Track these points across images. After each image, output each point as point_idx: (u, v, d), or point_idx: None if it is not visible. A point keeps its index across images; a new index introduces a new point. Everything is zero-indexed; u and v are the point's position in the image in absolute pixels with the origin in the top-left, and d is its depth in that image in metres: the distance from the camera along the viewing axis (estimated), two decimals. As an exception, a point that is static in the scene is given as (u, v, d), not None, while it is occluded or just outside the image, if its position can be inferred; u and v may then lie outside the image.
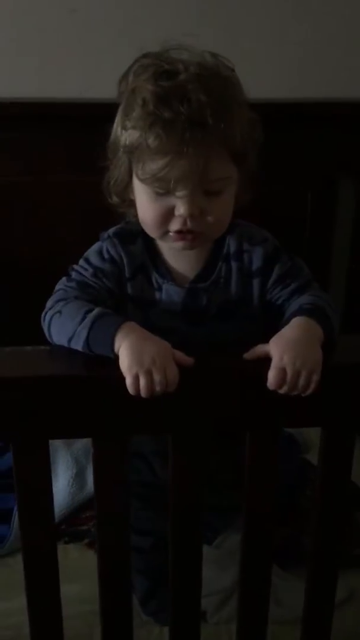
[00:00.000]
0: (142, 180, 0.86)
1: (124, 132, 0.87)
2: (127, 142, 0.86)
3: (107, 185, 0.93)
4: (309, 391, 0.78)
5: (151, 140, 0.82)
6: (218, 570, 1.08)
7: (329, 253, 1.54)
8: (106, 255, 0.94)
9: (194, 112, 0.81)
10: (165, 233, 0.89)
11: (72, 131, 1.35)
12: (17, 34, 1.36)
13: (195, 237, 0.89)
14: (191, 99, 0.81)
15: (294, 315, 0.85)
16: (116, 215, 0.97)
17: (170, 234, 0.89)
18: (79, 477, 1.23)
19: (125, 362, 0.76)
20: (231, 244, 0.95)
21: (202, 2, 1.37)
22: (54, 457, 1.25)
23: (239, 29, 1.39)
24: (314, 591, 0.94)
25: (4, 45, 1.36)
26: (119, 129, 0.88)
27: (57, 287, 0.92)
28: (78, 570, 1.08)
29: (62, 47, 1.36)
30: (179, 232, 0.88)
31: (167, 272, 0.95)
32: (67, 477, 1.23)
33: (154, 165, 0.83)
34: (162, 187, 0.85)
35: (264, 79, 1.39)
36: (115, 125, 0.89)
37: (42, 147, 1.39)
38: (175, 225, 0.87)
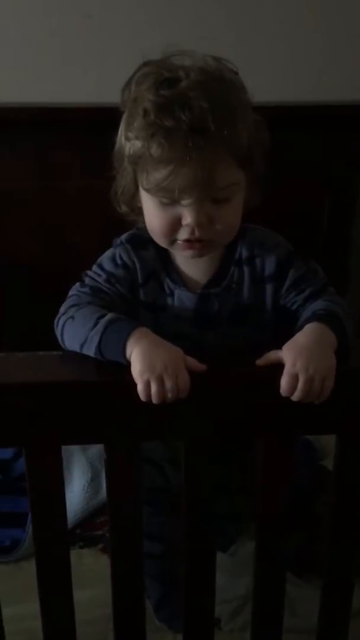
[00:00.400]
0: (146, 190, 0.86)
1: (127, 143, 0.86)
2: (131, 152, 0.86)
3: (115, 195, 0.93)
4: (323, 398, 0.77)
5: (154, 150, 0.82)
6: (232, 578, 1.07)
7: (346, 255, 1.53)
8: (119, 261, 0.94)
9: (195, 119, 0.80)
10: (173, 242, 0.89)
11: (85, 136, 1.34)
12: (32, 39, 1.37)
13: (203, 246, 0.88)
14: (192, 106, 0.80)
15: (307, 321, 0.84)
16: (127, 221, 0.97)
17: (179, 242, 0.88)
18: (94, 482, 1.23)
19: (136, 368, 0.76)
20: (243, 250, 0.94)
21: (218, 6, 1.36)
22: (70, 462, 1.25)
23: (254, 31, 1.39)
24: (330, 600, 0.93)
25: (19, 50, 1.37)
26: (123, 139, 0.88)
27: (71, 292, 0.92)
28: (92, 575, 1.09)
29: (77, 52, 1.37)
30: (187, 240, 0.87)
31: (179, 278, 0.95)
32: (82, 481, 1.23)
33: (158, 174, 0.83)
34: (167, 197, 0.84)
35: (283, 81, 1.39)
36: (119, 135, 0.89)
37: (54, 153, 1.40)
38: (183, 235, 0.87)
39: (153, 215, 0.88)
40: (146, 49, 0.87)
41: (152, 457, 1.05)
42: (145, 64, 0.87)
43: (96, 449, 1.26)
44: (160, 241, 0.90)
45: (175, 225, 0.87)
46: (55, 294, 0.93)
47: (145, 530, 0.98)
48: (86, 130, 1.34)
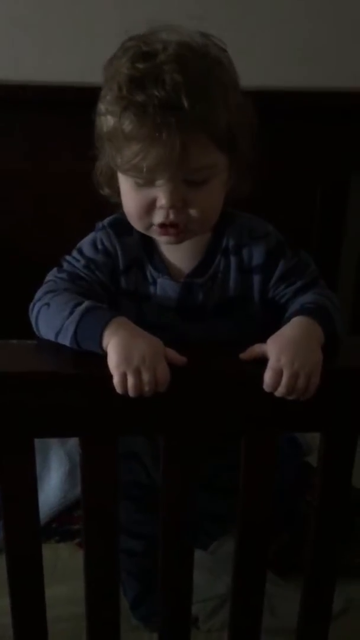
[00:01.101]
0: (118, 168, 0.82)
1: (103, 119, 0.83)
2: (105, 130, 0.82)
3: (97, 176, 0.90)
4: (308, 394, 0.74)
5: (125, 126, 0.78)
6: (212, 577, 1.05)
7: (337, 250, 1.50)
8: (100, 246, 0.90)
9: (167, 94, 0.76)
10: (149, 226, 0.85)
11: (75, 117, 1.30)
12: (17, 14, 1.33)
13: (179, 231, 0.84)
14: (165, 81, 0.77)
15: (295, 314, 0.81)
16: (113, 203, 0.93)
17: (154, 227, 0.84)
18: (72, 474, 1.20)
19: (113, 360, 0.72)
20: (230, 238, 0.91)
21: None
22: (47, 454, 1.22)
23: (248, 11, 1.34)
24: (310, 601, 0.91)
25: (5, 26, 1.34)
26: (99, 116, 0.84)
27: (47, 277, 0.88)
28: (68, 570, 1.07)
29: (65, 30, 1.33)
30: (162, 225, 0.83)
31: (162, 266, 0.91)
32: (59, 474, 1.20)
33: (129, 152, 0.79)
34: (139, 177, 0.81)
35: (273, 66, 1.36)
36: (97, 112, 0.85)
37: (44, 133, 1.37)
38: (158, 218, 0.83)
39: (128, 197, 0.84)
40: (133, 24, 0.83)
41: (136, 451, 1.03)
42: (130, 39, 0.83)
43: (75, 441, 1.22)
44: (136, 225, 0.87)
45: (150, 207, 0.83)
46: (41, 279, 0.89)
47: (127, 527, 0.97)
48: (77, 110, 1.29)
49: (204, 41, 0.82)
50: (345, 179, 1.46)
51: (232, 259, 0.90)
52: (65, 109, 1.33)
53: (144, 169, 0.79)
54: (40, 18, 1.33)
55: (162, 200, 0.81)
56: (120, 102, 0.79)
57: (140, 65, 0.78)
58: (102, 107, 0.83)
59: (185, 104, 0.76)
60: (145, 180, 0.81)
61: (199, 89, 0.78)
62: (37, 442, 0.79)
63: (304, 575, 0.90)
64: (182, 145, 0.77)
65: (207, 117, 0.78)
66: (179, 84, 0.76)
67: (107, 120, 0.82)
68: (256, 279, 0.91)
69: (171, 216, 0.82)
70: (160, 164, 0.78)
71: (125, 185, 0.84)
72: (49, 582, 0.87)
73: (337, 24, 1.37)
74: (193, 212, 0.83)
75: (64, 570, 1.07)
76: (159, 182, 0.80)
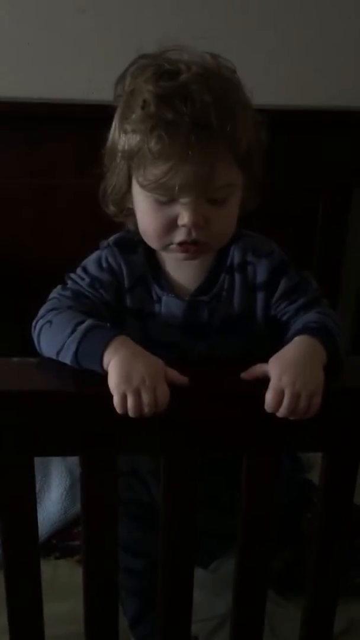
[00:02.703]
0: (143, 187, 0.82)
1: (123, 137, 0.82)
2: (126, 147, 0.82)
3: (104, 194, 0.89)
4: (309, 415, 0.73)
5: (153, 144, 0.78)
6: (212, 596, 1.04)
7: (339, 263, 1.50)
8: (104, 265, 0.90)
9: (198, 113, 0.77)
10: (168, 244, 0.85)
11: (79, 133, 1.32)
12: (24, 33, 1.34)
13: (198, 249, 0.84)
14: (195, 100, 0.77)
15: (297, 333, 0.80)
16: (117, 222, 0.93)
17: (173, 245, 0.84)
18: (72, 490, 1.19)
19: (113, 380, 0.72)
20: (235, 255, 0.91)
21: (215, 3, 1.33)
22: (48, 468, 1.22)
23: (253, 31, 1.36)
24: (312, 621, 0.90)
25: (10, 44, 1.34)
26: (117, 133, 0.84)
27: (51, 295, 0.88)
28: (68, 588, 1.05)
29: (69, 47, 1.34)
30: (182, 243, 0.83)
31: (167, 284, 0.91)
32: (60, 489, 1.20)
33: (156, 170, 0.79)
34: (165, 195, 0.80)
35: (279, 85, 1.36)
36: (112, 129, 0.85)
37: (46, 148, 1.37)
38: (179, 237, 0.83)
39: (148, 216, 0.84)
40: (140, 44, 0.84)
41: (137, 468, 1.02)
42: (142, 57, 0.83)
43: (76, 457, 1.23)
44: (154, 243, 0.87)
45: (170, 226, 0.83)
46: (46, 294, 0.89)
47: (129, 545, 0.96)
48: (80, 127, 1.31)
49: (215, 62, 0.83)
50: (347, 194, 1.47)
51: (237, 277, 0.91)
52: (68, 125, 1.33)
53: (175, 188, 0.79)
54: (46, 35, 1.34)
55: (184, 218, 0.81)
56: (148, 120, 0.78)
57: (165, 84, 0.78)
58: (122, 125, 0.82)
59: (215, 122, 0.77)
60: (169, 199, 0.81)
61: (226, 108, 0.78)
62: (38, 457, 0.78)
63: (306, 594, 0.89)
64: (211, 164, 0.78)
65: (233, 136, 0.79)
66: (208, 104, 0.77)
67: (128, 138, 0.81)
68: (260, 296, 0.91)
69: (193, 234, 0.82)
70: (189, 182, 0.78)
71: (145, 203, 0.84)
72: (48, 599, 0.86)
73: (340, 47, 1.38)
74: (213, 230, 0.83)
75: (63, 588, 1.06)
76: (184, 200, 0.80)
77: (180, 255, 0.86)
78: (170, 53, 0.82)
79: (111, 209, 0.90)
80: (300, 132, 1.35)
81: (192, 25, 1.30)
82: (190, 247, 0.84)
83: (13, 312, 1.37)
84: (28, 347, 0.84)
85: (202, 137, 0.77)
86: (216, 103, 0.77)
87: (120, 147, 0.83)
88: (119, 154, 0.84)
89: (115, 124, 0.85)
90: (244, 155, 0.82)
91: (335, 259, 1.49)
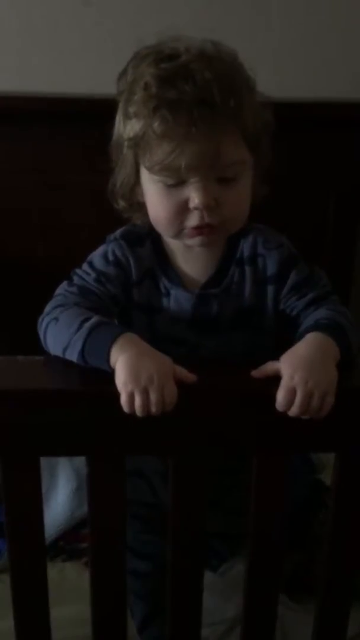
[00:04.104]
0: (150, 170, 0.80)
1: (127, 124, 0.81)
2: (131, 134, 0.81)
3: (113, 189, 0.88)
4: (322, 414, 0.72)
5: (157, 125, 0.77)
6: (222, 599, 1.03)
7: (350, 260, 1.48)
8: (111, 257, 0.89)
9: (200, 90, 0.76)
10: (180, 230, 0.83)
11: (84, 128, 1.30)
12: (28, 26, 1.32)
13: (212, 231, 0.83)
14: (196, 78, 0.76)
15: (308, 330, 0.79)
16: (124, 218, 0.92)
17: (186, 230, 0.83)
18: (79, 491, 1.18)
19: (120, 378, 0.71)
20: (245, 248, 0.89)
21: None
22: (55, 470, 1.21)
23: (260, 25, 1.34)
24: (324, 625, 0.89)
25: (15, 38, 1.33)
26: (121, 124, 0.83)
27: (57, 291, 0.87)
28: (75, 591, 1.04)
29: (75, 41, 1.32)
30: (196, 227, 0.82)
31: (176, 277, 0.89)
32: (67, 490, 1.18)
33: (162, 151, 0.78)
34: (173, 176, 0.79)
35: (286, 79, 1.35)
36: (117, 122, 0.84)
37: (52, 145, 1.36)
38: (192, 221, 0.82)
39: (158, 202, 0.83)
40: (144, 38, 0.82)
41: (143, 469, 1.00)
42: (144, 48, 0.82)
43: (82, 457, 1.21)
44: (167, 231, 0.85)
45: (182, 210, 0.81)
46: (53, 292, 0.88)
47: (134, 547, 0.94)
48: (86, 121, 1.29)
49: (216, 48, 0.82)
50: (358, 189, 1.44)
51: (247, 270, 0.89)
52: (74, 121, 1.32)
53: (181, 167, 0.78)
54: (51, 29, 1.32)
55: (195, 200, 0.79)
56: (151, 102, 0.78)
57: (166, 65, 0.78)
58: (126, 111, 0.82)
59: (218, 99, 0.76)
60: (177, 180, 0.80)
61: (228, 85, 0.77)
62: (45, 458, 0.77)
63: (318, 598, 0.87)
64: (217, 141, 0.77)
65: (238, 112, 0.78)
66: (210, 80, 0.76)
67: (132, 124, 0.80)
68: (270, 289, 0.89)
69: (206, 218, 0.81)
70: (195, 161, 0.77)
71: (154, 190, 0.82)
72: (55, 602, 0.85)
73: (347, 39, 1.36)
74: (225, 211, 0.82)
75: (70, 591, 1.04)
76: (192, 179, 0.79)
77: (196, 240, 0.84)
78: (170, 42, 0.81)
79: (120, 203, 0.89)
80: (310, 126, 1.32)
81: (199, 18, 1.28)
82: (204, 230, 0.82)
83: (20, 310, 1.36)
84: (35, 346, 0.83)
85: (205, 114, 0.76)
86: (218, 80, 0.77)
87: (125, 136, 0.82)
88: (125, 144, 0.83)
89: (119, 113, 0.84)
90: (251, 133, 0.81)
91: (346, 255, 1.47)
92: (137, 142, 0.80)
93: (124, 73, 0.84)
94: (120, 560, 0.81)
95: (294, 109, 1.33)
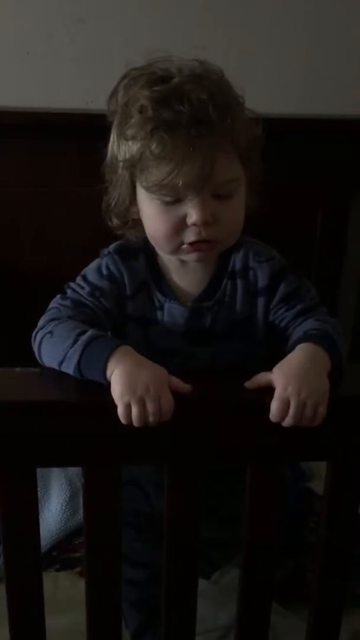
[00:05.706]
0: (147, 190, 0.82)
1: (123, 146, 0.83)
2: (127, 156, 0.82)
3: (107, 208, 0.89)
4: (315, 424, 0.73)
5: (154, 147, 0.79)
6: (215, 607, 1.03)
7: (338, 272, 1.50)
8: (105, 272, 0.90)
9: (196, 110, 0.77)
10: (178, 246, 0.85)
11: (79, 142, 1.31)
12: (24, 42, 1.33)
13: (210, 247, 0.85)
14: (191, 98, 0.78)
15: (299, 341, 0.80)
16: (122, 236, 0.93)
17: (184, 246, 0.84)
18: (72, 501, 1.18)
19: (117, 390, 0.72)
20: (237, 261, 0.91)
21: (215, 13, 1.33)
22: (48, 479, 1.21)
23: (250, 41, 1.36)
24: (316, 632, 0.89)
25: (10, 53, 1.34)
26: (116, 145, 0.84)
27: (51, 305, 0.88)
28: (69, 600, 1.04)
29: (69, 56, 1.34)
30: (193, 243, 0.83)
31: (169, 291, 0.91)
32: (60, 500, 1.18)
33: (160, 172, 0.79)
34: (171, 194, 0.81)
35: (276, 94, 1.37)
36: (111, 142, 0.85)
37: (46, 158, 1.37)
38: (189, 237, 0.83)
39: (156, 219, 0.84)
40: (130, 57, 0.84)
41: (137, 478, 1.01)
42: (132, 69, 0.84)
43: (76, 467, 1.22)
44: (165, 247, 0.86)
45: (179, 227, 0.83)
46: (46, 305, 0.88)
47: (129, 555, 0.95)
48: (80, 136, 1.30)
49: (203, 67, 0.83)
50: (346, 202, 1.47)
51: (239, 282, 0.91)
52: (68, 135, 1.33)
53: (179, 185, 0.79)
54: (46, 45, 1.34)
55: (193, 216, 0.81)
56: (148, 124, 0.79)
57: (160, 88, 0.79)
58: (121, 134, 0.83)
59: (214, 117, 0.78)
60: (175, 198, 0.81)
61: (222, 103, 0.79)
62: (38, 468, 0.77)
63: (310, 605, 0.88)
64: (213, 160, 0.79)
65: (232, 130, 0.80)
66: (204, 100, 0.78)
67: (129, 146, 0.82)
68: (260, 301, 0.91)
69: (203, 233, 0.82)
70: (193, 180, 0.79)
71: (151, 208, 0.84)
72: (49, 612, 0.85)
73: (338, 56, 1.39)
74: (222, 226, 0.83)
75: (64, 600, 1.05)
76: (190, 197, 0.80)
77: (192, 255, 0.85)
78: (158, 63, 0.83)
79: (115, 222, 0.90)
80: (298, 140, 1.35)
81: (192, 35, 1.30)
82: (202, 246, 0.84)
83: (14, 322, 1.37)
84: (29, 358, 0.84)
85: (203, 133, 0.78)
86: (212, 99, 0.79)
87: (121, 157, 0.83)
88: (120, 165, 0.84)
89: (113, 137, 0.85)
90: (244, 149, 0.83)
91: (334, 267, 1.49)
92: (134, 164, 0.82)
93: (115, 94, 0.85)
94: (115, 570, 0.82)
95: (282, 122, 1.35)
